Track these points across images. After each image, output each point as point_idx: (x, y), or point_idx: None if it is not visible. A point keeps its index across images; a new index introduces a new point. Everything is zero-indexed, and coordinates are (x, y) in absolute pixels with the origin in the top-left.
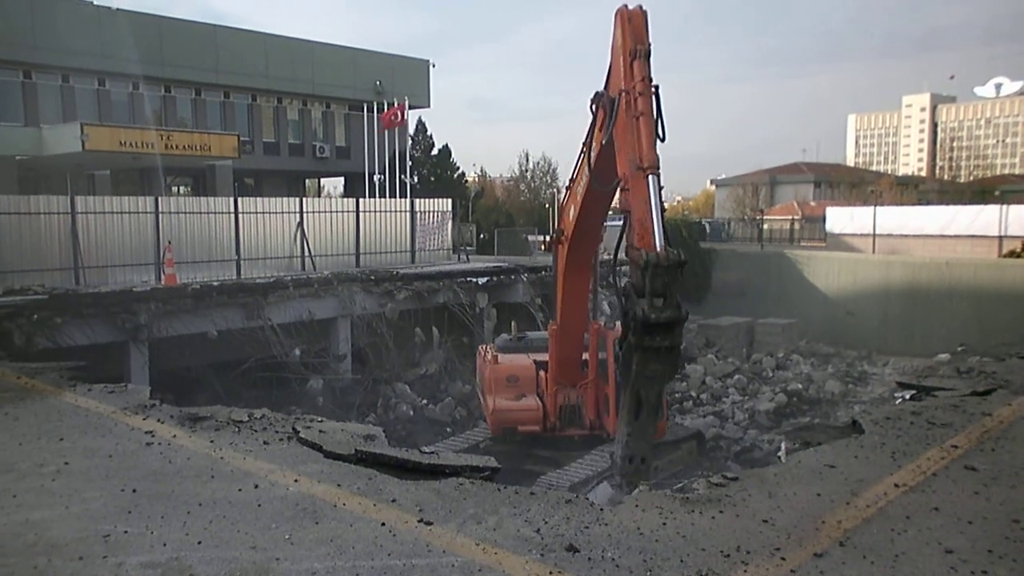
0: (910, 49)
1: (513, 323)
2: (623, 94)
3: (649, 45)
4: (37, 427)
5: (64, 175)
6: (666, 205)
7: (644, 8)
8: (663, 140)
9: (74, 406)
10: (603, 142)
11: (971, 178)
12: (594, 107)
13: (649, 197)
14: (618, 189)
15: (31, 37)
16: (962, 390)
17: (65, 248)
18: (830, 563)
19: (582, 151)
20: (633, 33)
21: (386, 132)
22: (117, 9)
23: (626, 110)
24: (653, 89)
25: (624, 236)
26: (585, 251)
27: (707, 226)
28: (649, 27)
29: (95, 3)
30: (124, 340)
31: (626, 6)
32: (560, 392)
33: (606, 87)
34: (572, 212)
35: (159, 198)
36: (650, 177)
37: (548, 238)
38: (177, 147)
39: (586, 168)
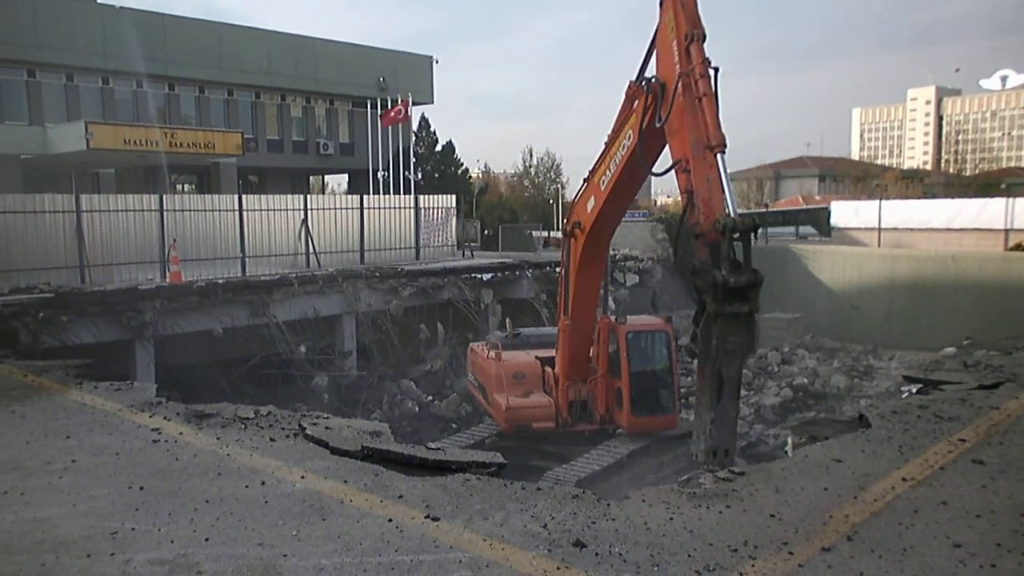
0: (914, 43)
1: (508, 320)
2: (682, 77)
3: (704, 28)
4: (44, 425)
5: (69, 174)
6: (670, 200)
7: None
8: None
9: (80, 404)
10: (657, 126)
11: (977, 171)
12: (646, 93)
13: (720, 174)
14: (675, 171)
15: (35, 36)
16: (969, 384)
17: (70, 246)
18: (838, 557)
19: (608, 140)
20: (688, 17)
21: (389, 129)
22: (120, 8)
23: (684, 93)
24: (712, 72)
25: (685, 217)
26: (602, 243)
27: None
28: (699, 5)
29: (98, 2)
30: (130, 338)
31: None
32: (571, 387)
33: (640, 74)
34: (592, 203)
35: (164, 196)
36: (719, 155)
37: (562, 231)
38: (181, 145)
39: (622, 154)
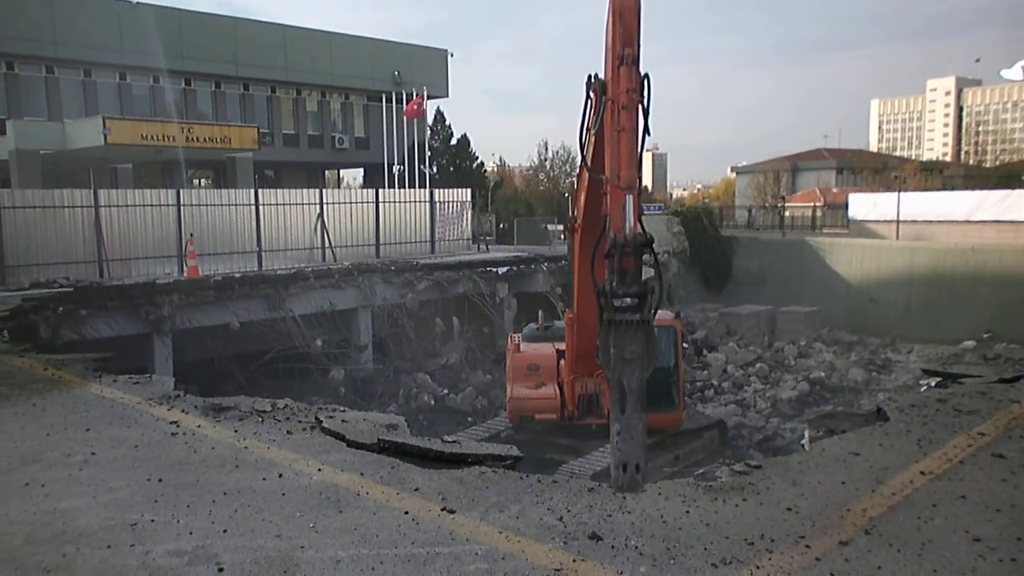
0: (932, 33)
1: (540, 312)
2: (608, 101)
3: (638, 48)
4: (64, 418)
5: (87, 169)
6: (686, 193)
7: None
8: (648, 135)
9: (100, 397)
10: (593, 131)
11: (997, 162)
12: (587, 91)
13: (630, 208)
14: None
15: (53, 33)
16: (989, 377)
17: (89, 241)
18: (855, 551)
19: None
20: (623, 33)
21: (404, 122)
22: (137, 3)
23: (610, 119)
24: (644, 84)
25: (598, 244)
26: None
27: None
28: (642, 19)
29: None
30: (148, 332)
31: None
32: (578, 381)
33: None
34: (582, 198)
35: (180, 191)
36: (628, 196)
37: (565, 226)
38: (198, 140)
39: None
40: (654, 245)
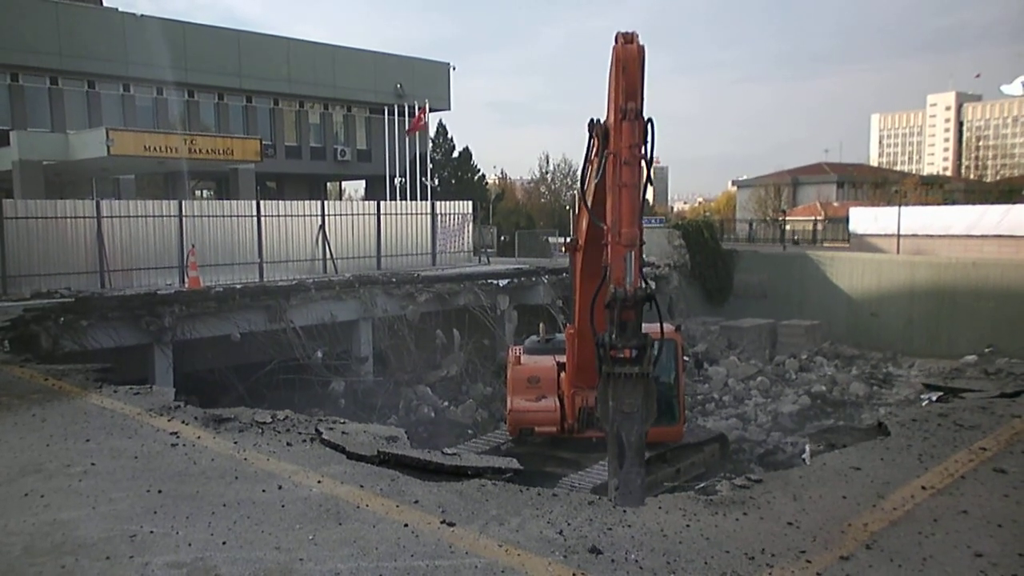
0: (932, 48)
1: (542, 325)
2: (611, 156)
3: (642, 100)
4: (64, 428)
5: (90, 180)
6: (687, 206)
7: (642, 44)
8: (651, 184)
9: (100, 407)
10: (595, 180)
11: (998, 177)
12: (589, 135)
13: (627, 266)
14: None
15: (57, 44)
16: (990, 391)
17: (91, 252)
18: (856, 566)
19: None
20: (626, 87)
21: (407, 135)
22: (141, 16)
23: (612, 172)
24: (648, 130)
25: (598, 293)
26: (598, 259)
27: None
28: (646, 69)
29: (120, 10)
30: (149, 342)
31: (624, 38)
32: (578, 394)
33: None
34: (583, 223)
35: (183, 202)
36: (629, 253)
37: (566, 240)
38: (200, 151)
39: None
40: (658, 257)
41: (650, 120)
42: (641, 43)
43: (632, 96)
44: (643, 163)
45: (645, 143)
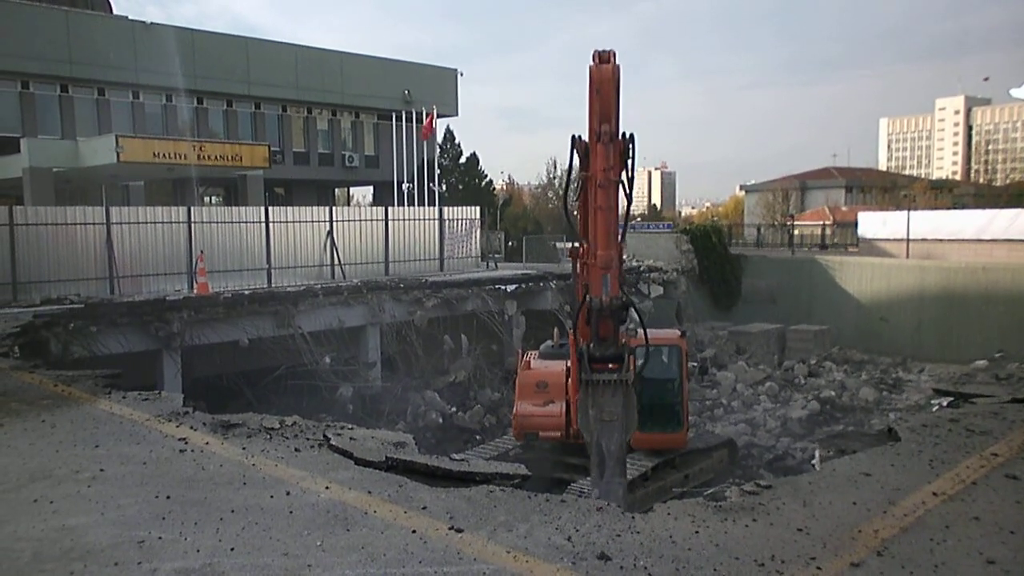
0: (941, 52)
1: (556, 329)
2: (588, 178)
3: (617, 123)
4: (73, 434)
5: (99, 186)
6: (694, 211)
7: (618, 64)
8: (630, 203)
9: (109, 413)
10: (573, 200)
11: (1008, 181)
12: (571, 150)
13: (603, 284)
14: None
15: (68, 52)
16: (1001, 397)
17: (100, 258)
18: (867, 573)
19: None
20: (600, 109)
21: (415, 141)
22: (151, 24)
23: (589, 194)
24: (629, 146)
25: (581, 307)
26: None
27: None
28: (620, 88)
29: (130, 18)
30: (157, 348)
31: (600, 57)
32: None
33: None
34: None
35: (191, 208)
36: (606, 275)
37: (572, 245)
38: (209, 158)
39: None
40: (660, 263)
41: (631, 137)
42: (617, 63)
43: (606, 118)
44: (621, 183)
45: (625, 160)
